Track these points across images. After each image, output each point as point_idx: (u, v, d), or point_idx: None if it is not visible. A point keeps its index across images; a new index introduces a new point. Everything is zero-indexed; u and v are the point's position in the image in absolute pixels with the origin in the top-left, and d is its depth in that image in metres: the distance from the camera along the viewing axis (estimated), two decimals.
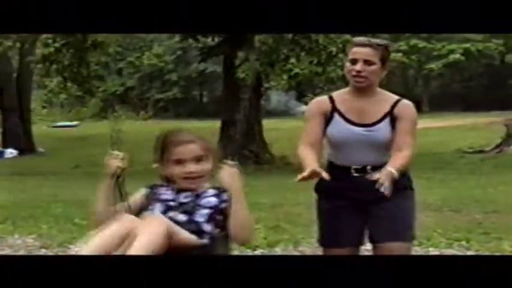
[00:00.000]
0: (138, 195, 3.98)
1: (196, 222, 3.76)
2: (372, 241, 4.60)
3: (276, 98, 49.96)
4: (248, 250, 7.86)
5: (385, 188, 4.03)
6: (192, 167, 3.80)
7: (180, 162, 3.82)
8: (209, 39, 24.51)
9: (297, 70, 19.75)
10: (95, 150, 30.59)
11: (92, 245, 3.52)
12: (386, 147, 4.44)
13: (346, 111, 4.46)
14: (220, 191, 3.85)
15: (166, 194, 3.90)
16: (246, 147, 21.66)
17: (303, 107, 43.23)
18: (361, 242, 4.62)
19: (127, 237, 3.47)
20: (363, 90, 4.48)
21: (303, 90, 37.14)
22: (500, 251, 7.61)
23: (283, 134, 24.00)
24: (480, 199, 12.16)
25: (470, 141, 25.37)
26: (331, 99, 4.56)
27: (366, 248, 4.86)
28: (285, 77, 20.49)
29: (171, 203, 3.83)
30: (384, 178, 4.05)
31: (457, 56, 49.33)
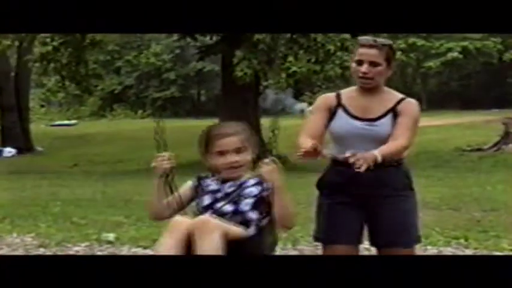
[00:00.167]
0: (186, 187, 4.25)
1: (242, 212, 4.05)
2: (375, 245, 4.62)
3: (272, 96, 49.91)
4: None
5: (360, 167, 4.04)
6: (233, 158, 4.08)
7: (222, 153, 4.10)
8: (207, 38, 24.52)
9: (295, 68, 19.73)
10: (93, 149, 30.66)
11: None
12: (386, 143, 4.45)
13: (350, 107, 4.50)
14: (261, 179, 4.11)
15: (212, 184, 4.17)
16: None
17: (299, 105, 43.23)
18: (359, 241, 4.62)
19: (187, 243, 3.83)
20: (369, 89, 4.53)
21: (299, 89, 37.18)
22: (498, 249, 7.61)
23: (280, 133, 23.89)
24: (478, 197, 12.17)
25: (468, 140, 25.37)
26: (338, 95, 4.61)
27: (365, 247, 4.87)
28: (283, 75, 20.46)
29: (218, 195, 4.11)
30: (362, 160, 4.06)
31: (455, 54, 49.38)
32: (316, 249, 7.61)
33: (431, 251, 7.61)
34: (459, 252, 7.59)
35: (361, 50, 4.47)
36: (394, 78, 46.02)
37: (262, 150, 4.26)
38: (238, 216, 4.05)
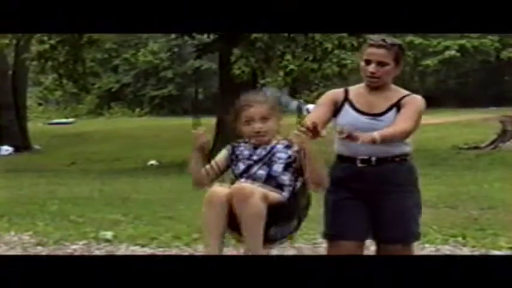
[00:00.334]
0: (221, 156, 4.51)
1: (275, 177, 4.31)
2: (375, 240, 4.66)
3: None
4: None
5: (355, 138, 4.17)
6: (258, 126, 4.34)
7: (248, 121, 4.37)
8: (204, 36, 24.50)
9: (292, 66, 19.71)
10: (91, 147, 30.63)
11: (207, 228, 4.17)
12: None
13: (357, 102, 4.58)
14: (290, 143, 4.35)
15: (245, 150, 4.44)
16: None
17: (294, 102, 43.21)
18: (366, 236, 4.65)
19: (228, 212, 4.09)
20: (376, 86, 4.60)
21: (296, 87, 37.13)
22: (496, 248, 7.62)
23: None
24: (476, 195, 12.17)
25: (465, 138, 25.36)
26: (346, 90, 4.71)
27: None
28: (280, 73, 20.45)
29: (251, 160, 4.38)
30: (362, 138, 4.19)
31: (453, 52, 49.31)
32: (314, 247, 7.63)
33: (429, 249, 7.62)
34: (457, 250, 7.60)
35: (370, 50, 4.55)
36: None
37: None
38: (271, 180, 4.30)
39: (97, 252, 7.90)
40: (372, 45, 4.56)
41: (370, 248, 5.03)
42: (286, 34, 19.15)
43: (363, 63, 4.59)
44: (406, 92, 4.64)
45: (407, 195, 4.62)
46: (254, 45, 19.12)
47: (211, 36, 23.15)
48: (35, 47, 22.47)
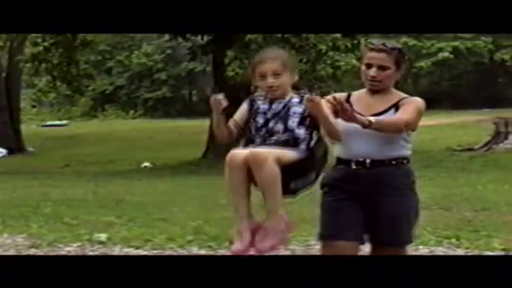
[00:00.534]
0: (242, 110, 4.70)
1: (291, 130, 4.48)
2: (370, 242, 4.67)
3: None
4: None
5: (345, 110, 4.23)
6: (270, 81, 4.50)
7: (262, 76, 4.53)
8: (198, 38, 24.49)
9: None
10: (85, 150, 30.60)
11: (231, 190, 4.37)
12: (387, 141, 4.50)
13: (355, 104, 4.57)
14: (303, 96, 4.49)
15: (263, 105, 4.61)
16: (237, 145, 21.65)
17: None
18: (360, 237, 4.65)
19: (249, 175, 4.29)
20: (377, 90, 4.64)
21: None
22: (489, 249, 7.63)
23: None
24: (469, 197, 12.19)
25: (459, 140, 25.42)
26: (349, 95, 4.74)
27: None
28: None
29: (268, 114, 4.55)
30: (358, 117, 4.27)
31: (446, 54, 49.40)
32: (307, 249, 7.64)
33: (423, 250, 7.63)
34: (451, 252, 7.62)
35: (370, 54, 4.57)
36: None
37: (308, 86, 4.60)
38: (288, 133, 4.47)
39: (91, 254, 7.89)
40: (372, 50, 4.59)
41: (365, 249, 5.03)
42: (280, 36, 19.15)
43: (363, 68, 4.62)
44: (406, 95, 4.66)
45: (403, 199, 4.62)
46: (248, 47, 19.12)
47: (205, 38, 23.14)
48: (29, 49, 22.47)
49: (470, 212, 10.44)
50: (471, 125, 30.96)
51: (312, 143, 4.48)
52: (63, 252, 8.01)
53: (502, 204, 11.04)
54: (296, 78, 4.60)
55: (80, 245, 8.36)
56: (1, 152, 29.34)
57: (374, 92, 4.62)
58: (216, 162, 21.64)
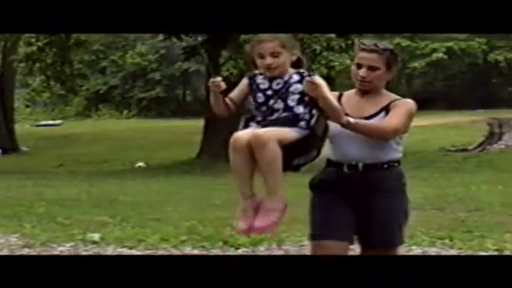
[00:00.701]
0: (241, 86, 4.75)
1: (291, 108, 4.50)
2: (360, 243, 4.67)
3: None
4: (231, 249, 7.88)
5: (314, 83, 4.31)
6: (268, 61, 4.52)
7: (260, 56, 4.55)
8: (192, 38, 24.48)
9: None
10: (79, 149, 30.58)
11: (235, 172, 4.41)
12: (379, 144, 4.50)
13: (346, 106, 4.56)
14: (303, 75, 4.53)
15: (263, 83, 4.63)
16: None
17: None
18: (350, 237, 4.64)
19: (253, 157, 4.33)
20: (367, 91, 4.62)
21: None
22: (483, 249, 7.64)
23: None
24: (463, 197, 12.21)
25: (453, 140, 25.45)
26: (340, 95, 4.74)
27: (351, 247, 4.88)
28: None
29: (268, 92, 4.58)
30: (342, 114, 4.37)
31: (440, 54, 49.44)
32: (301, 249, 7.64)
33: (416, 251, 7.63)
34: (444, 252, 7.62)
35: (361, 54, 4.56)
36: None
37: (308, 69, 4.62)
38: (288, 112, 4.50)
39: (84, 254, 7.88)
40: (363, 50, 4.57)
41: (356, 250, 5.03)
42: None
43: (354, 67, 4.61)
44: (397, 97, 4.64)
45: (395, 201, 4.62)
46: (242, 47, 19.12)
47: (200, 38, 23.13)
48: (23, 48, 22.45)
49: (463, 212, 10.46)
50: (465, 125, 30.99)
51: (313, 121, 4.50)
52: (56, 252, 8.00)
53: (495, 204, 11.05)
54: (295, 57, 4.60)
55: (73, 244, 8.35)
56: None
57: (364, 92, 4.60)
58: (210, 163, 21.67)
